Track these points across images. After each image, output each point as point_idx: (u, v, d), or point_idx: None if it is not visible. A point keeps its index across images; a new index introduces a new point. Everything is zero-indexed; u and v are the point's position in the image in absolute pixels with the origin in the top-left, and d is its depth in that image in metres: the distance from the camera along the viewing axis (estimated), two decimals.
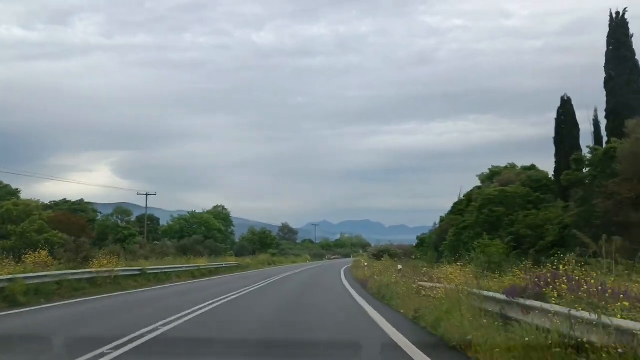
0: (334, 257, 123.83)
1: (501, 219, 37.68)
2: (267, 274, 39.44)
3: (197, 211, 66.80)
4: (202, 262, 38.70)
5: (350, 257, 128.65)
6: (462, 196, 56.94)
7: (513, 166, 52.93)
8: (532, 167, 47.16)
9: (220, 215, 72.07)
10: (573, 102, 36.96)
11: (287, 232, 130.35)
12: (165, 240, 55.78)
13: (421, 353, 8.29)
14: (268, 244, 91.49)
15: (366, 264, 45.39)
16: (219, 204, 72.08)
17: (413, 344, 9.09)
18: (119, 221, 64.51)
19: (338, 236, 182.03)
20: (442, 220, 70.87)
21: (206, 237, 60.59)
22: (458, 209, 60.43)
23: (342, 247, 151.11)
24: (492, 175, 53.21)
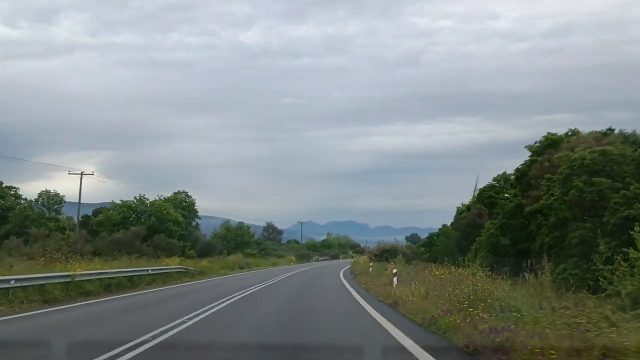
0: (322, 258, 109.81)
1: (604, 195, 22.97)
2: (209, 292, 23.19)
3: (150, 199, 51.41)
4: (114, 267, 23.64)
5: (339, 258, 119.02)
6: (476, 189, 47.23)
7: (575, 132, 38.00)
8: (610, 131, 32.67)
9: (181, 203, 56.03)
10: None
11: (271, 231, 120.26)
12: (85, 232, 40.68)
13: None
14: (246, 242, 76.53)
15: (386, 271, 30.76)
16: (181, 190, 56.86)
17: None
18: (46, 211, 49.28)
19: (324, 237, 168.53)
20: (462, 211, 56.29)
21: (157, 230, 45.57)
22: (488, 195, 46.35)
23: (329, 247, 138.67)
24: (550, 144, 38.56)
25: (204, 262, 40.51)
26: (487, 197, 52.46)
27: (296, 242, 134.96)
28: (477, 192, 53.11)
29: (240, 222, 77.28)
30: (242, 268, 49.94)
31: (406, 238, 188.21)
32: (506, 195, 47.16)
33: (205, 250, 53.28)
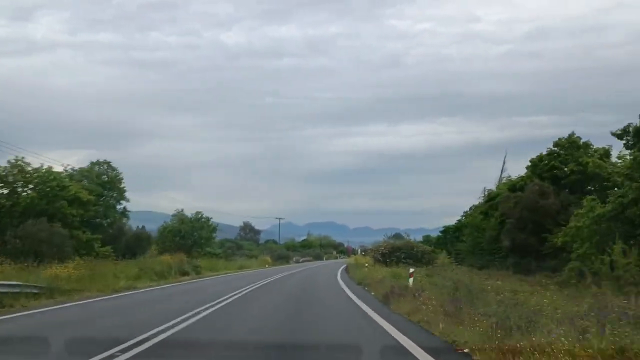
0: (303, 259, 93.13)
1: None
2: None
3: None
4: None
5: (322, 258, 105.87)
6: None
7: None
8: None
9: (94, 179, 37.64)
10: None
11: (248, 231, 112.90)
12: None
13: None
14: (205, 238, 58.85)
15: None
16: (99, 159, 38.61)
17: None
18: None
19: (304, 237, 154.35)
20: (493, 196, 43.87)
21: (41, 213, 27.67)
22: (549, 166, 36.22)
23: (310, 247, 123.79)
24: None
25: (103, 267, 22.90)
26: (547, 169, 36.36)
27: (274, 242, 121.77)
28: (530, 164, 37.41)
29: (197, 212, 59.52)
30: (185, 274, 32.55)
31: (389, 238, 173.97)
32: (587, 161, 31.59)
33: (133, 248, 35.91)
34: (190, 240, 57.07)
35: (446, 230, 54.44)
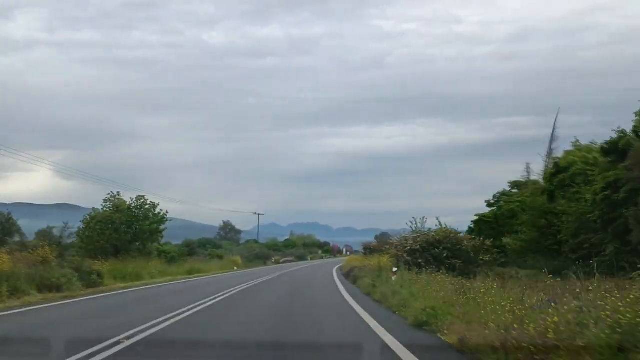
0: (284, 259, 78.12)
1: None
2: None
3: None
4: None
5: (307, 258, 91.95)
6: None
7: None
8: None
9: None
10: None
11: (229, 231, 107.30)
12: None
13: None
14: (151, 230, 42.70)
15: None
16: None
17: None
18: None
19: (287, 237, 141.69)
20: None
21: None
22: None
23: (293, 247, 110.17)
24: None
25: None
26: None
27: (255, 241, 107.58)
28: None
29: (139, 196, 43.41)
30: (53, 289, 16.88)
31: (375, 237, 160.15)
32: None
33: None
34: (130, 234, 41.30)
35: (480, 220, 39.26)
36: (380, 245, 39.44)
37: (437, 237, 23.76)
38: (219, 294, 18.39)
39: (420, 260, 22.38)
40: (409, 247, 23.33)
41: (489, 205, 41.08)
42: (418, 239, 23.85)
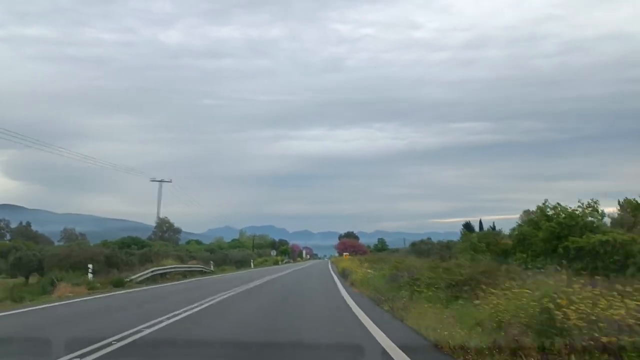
0: (196, 266, 57.96)
1: None
2: None
3: None
4: None
5: (250, 264, 72.32)
6: None
7: None
8: None
9: None
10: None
11: (165, 230, 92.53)
12: None
13: None
14: None
15: None
16: None
17: None
18: None
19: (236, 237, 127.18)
20: None
21: None
22: None
23: (241, 247, 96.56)
24: None
25: None
26: None
27: (197, 242, 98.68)
28: None
29: None
30: None
31: (340, 237, 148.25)
32: None
33: None
34: None
35: (539, 213, 25.43)
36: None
37: None
38: None
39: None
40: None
41: None
42: None
